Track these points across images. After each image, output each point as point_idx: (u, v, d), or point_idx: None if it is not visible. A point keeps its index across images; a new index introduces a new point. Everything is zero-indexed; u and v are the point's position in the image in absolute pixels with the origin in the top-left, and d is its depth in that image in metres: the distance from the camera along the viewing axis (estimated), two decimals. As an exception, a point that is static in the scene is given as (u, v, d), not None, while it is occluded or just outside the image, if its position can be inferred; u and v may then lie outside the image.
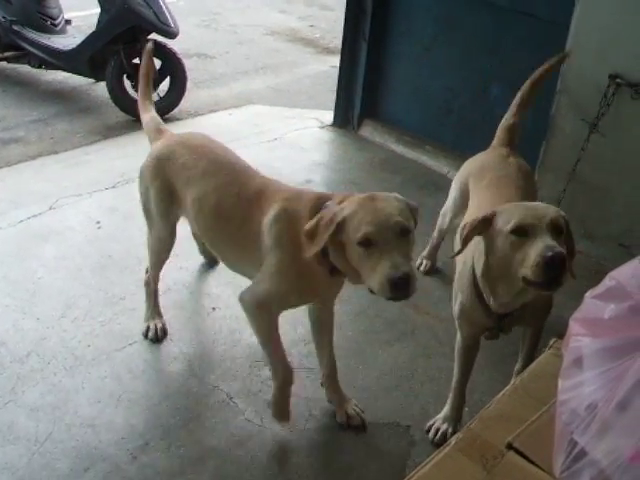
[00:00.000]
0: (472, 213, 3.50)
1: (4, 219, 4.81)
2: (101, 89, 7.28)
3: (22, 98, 7.38)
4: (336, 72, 6.54)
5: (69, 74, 7.51)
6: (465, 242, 3.00)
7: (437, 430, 3.41)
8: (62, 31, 7.67)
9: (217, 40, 9.46)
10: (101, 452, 3.21)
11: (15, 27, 7.33)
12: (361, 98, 6.26)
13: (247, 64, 8.77)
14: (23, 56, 7.50)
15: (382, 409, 3.51)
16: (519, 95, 4.13)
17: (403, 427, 3.42)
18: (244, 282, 4.20)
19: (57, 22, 7.66)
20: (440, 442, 3.29)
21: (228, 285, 4.25)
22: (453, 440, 1.95)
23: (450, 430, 3.36)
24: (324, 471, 3.20)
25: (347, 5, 6.16)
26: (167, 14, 6.64)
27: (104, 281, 4.26)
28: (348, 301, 4.19)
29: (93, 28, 6.96)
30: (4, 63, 7.82)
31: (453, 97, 5.72)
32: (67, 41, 7.28)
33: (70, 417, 3.37)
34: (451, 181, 5.25)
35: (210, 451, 3.24)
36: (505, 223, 2.85)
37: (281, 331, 3.26)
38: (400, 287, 2.61)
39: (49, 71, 7.66)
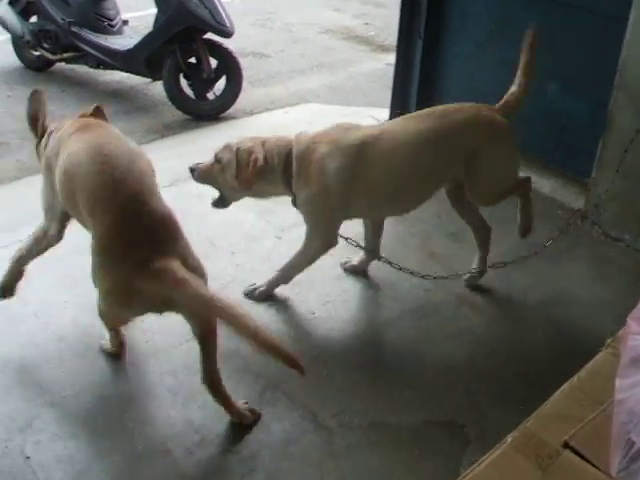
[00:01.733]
0: None
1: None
2: (158, 88, 7.36)
3: (81, 98, 7.47)
4: (391, 70, 6.52)
5: (126, 74, 7.60)
6: None
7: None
8: (119, 32, 7.78)
9: (272, 39, 9.49)
10: (158, 448, 3.25)
11: (73, 28, 7.45)
12: (416, 96, 6.23)
13: (302, 62, 8.79)
14: (81, 57, 7.61)
15: (438, 407, 3.50)
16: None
17: (458, 425, 3.41)
18: (300, 280, 4.25)
19: (114, 23, 7.77)
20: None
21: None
22: (509, 438, 1.95)
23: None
24: (378, 467, 3.20)
25: (402, 3, 6.14)
26: (223, 14, 6.69)
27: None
28: (403, 299, 4.19)
29: (150, 28, 7.06)
30: (63, 64, 7.95)
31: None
32: (124, 41, 7.38)
33: (128, 413, 3.43)
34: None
35: (264, 447, 3.26)
36: None
37: (338, 329, 3.26)
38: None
39: (107, 71, 7.76)
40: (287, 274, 4.15)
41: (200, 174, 4.06)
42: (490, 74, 5.71)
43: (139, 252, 2.98)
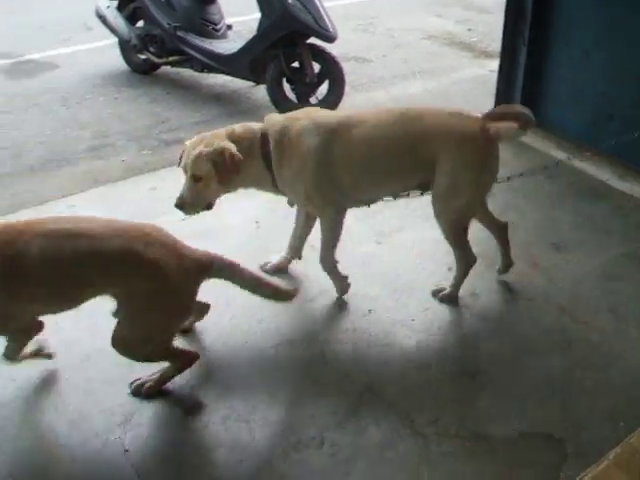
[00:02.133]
0: None
1: (168, 217, 4.95)
2: (261, 92, 7.42)
3: (185, 101, 7.60)
4: (494, 76, 6.46)
5: (230, 77, 7.67)
6: None
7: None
8: (223, 36, 7.86)
9: (374, 44, 9.49)
10: (254, 447, 3.30)
11: (179, 33, 7.57)
12: (519, 103, 6.14)
13: (404, 68, 8.76)
14: (186, 60, 7.73)
15: (535, 419, 3.46)
16: None
17: (556, 439, 3.35)
18: (400, 286, 4.25)
19: (219, 27, 7.86)
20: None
21: (384, 288, 4.27)
22: (611, 454, 1.91)
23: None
24: (473, 477, 3.18)
25: (506, 9, 6.08)
26: (326, 19, 6.71)
27: (261, 280, 4.35)
28: (502, 308, 4.15)
29: (253, 33, 7.11)
30: (168, 67, 8.08)
31: (614, 102, 5.57)
32: (228, 45, 7.46)
33: (225, 411, 3.49)
34: (613, 188, 5.14)
35: (360, 451, 3.27)
36: None
37: (437, 336, 3.23)
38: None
39: (211, 74, 7.85)
40: (326, 255, 4.15)
41: (191, 206, 3.97)
42: (596, 81, 5.62)
43: None
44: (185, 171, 3.91)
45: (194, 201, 3.93)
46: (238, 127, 4.00)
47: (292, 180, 3.95)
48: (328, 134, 3.86)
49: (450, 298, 4.22)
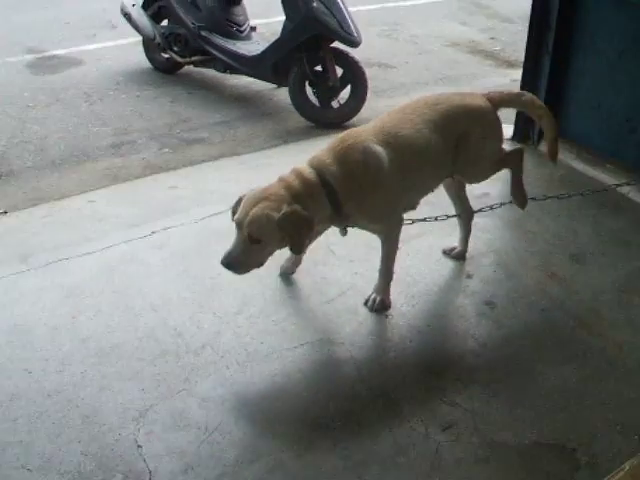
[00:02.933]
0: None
1: (188, 216, 5.00)
2: (283, 95, 7.46)
3: (207, 101, 7.64)
4: (517, 86, 6.43)
5: (252, 79, 7.70)
6: None
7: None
8: (247, 37, 7.89)
9: (397, 50, 9.49)
10: (267, 447, 3.29)
11: (203, 33, 7.61)
12: (542, 112, 6.14)
13: (427, 75, 8.76)
14: (209, 60, 7.77)
15: (548, 429, 3.43)
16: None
17: (568, 450, 3.32)
18: (417, 292, 4.25)
19: (243, 29, 7.89)
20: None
21: (401, 293, 4.27)
22: (627, 466, 1.90)
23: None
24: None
25: (531, 19, 6.06)
26: (350, 23, 6.71)
27: (279, 282, 4.36)
28: (519, 317, 4.14)
29: (277, 35, 7.13)
30: (191, 67, 8.13)
31: (637, 115, 5.54)
32: (252, 47, 7.50)
33: (239, 410, 3.50)
34: (633, 202, 5.11)
35: (373, 456, 3.26)
36: None
37: (452, 342, 3.22)
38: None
39: (233, 75, 7.89)
40: (386, 269, 4.13)
41: (245, 266, 3.72)
42: (620, 94, 5.59)
43: None
44: (239, 228, 3.63)
45: (249, 262, 3.70)
46: (292, 180, 3.70)
47: (367, 207, 3.84)
48: (383, 147, 3.81)
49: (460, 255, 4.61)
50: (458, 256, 4.61)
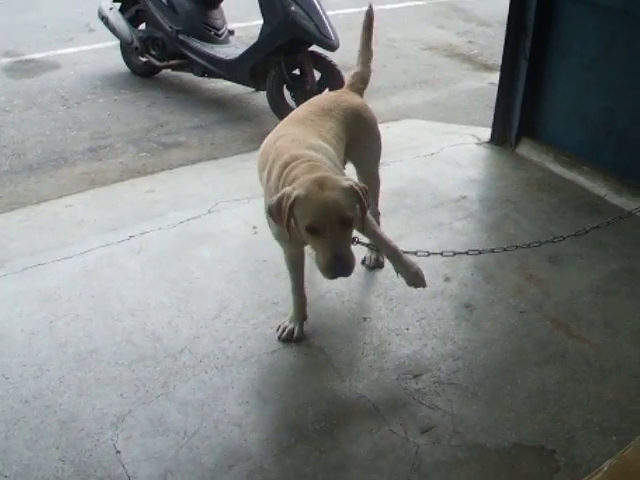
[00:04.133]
0: (285, 140, 3.67)
1: (165, 220, 4.99)
2: (261, 98, 7.45)
3: (185, 105, 7.64)
4: (494, 89, 6.47)
5: (230, 83, 7.72)
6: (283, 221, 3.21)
7: (284, 329, 3.95)
8: (225, 41, 7.90)
9: (375, 54, 9.39)
10: (246, 451, 3.28)
11: (181, 36, 7.60)
12: (519, 116, 6.16)
13: (404, 78, 8.79)
14: (187, 64, 7.77)
15: (527, 431, 3.44)
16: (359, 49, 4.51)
17: (547, 451, 3.33)
18: (395, 295, 4.26)
19: (221, 32, 7.90)
20: (287, 338, 3.93)
21: (380, 296, 4.28)
22: (605, 467, 1.91)
23: (297, 328, 3.93)
24: (466, 488, 3.17)
25: (508, 23, 6.08)
26: (328, 27, 6.72)
27: (258, 285, 4.35)
28: (497, 319, 4.15)
29: (255, 39, 7.13)
30: (168, 71, 8.14)
31: (614, 118, 5.57)
32: (229, 51, 7.50)
33: (218, 414, 3.47)
34: (609, 204, 5.14)
35: (352, 459, 3.26)
36: (302, 217, 3.15)
37: (431, 345, 3.22)
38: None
39: (211, 79, 7.91)
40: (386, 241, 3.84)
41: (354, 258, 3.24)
42: (596, 98, 5.62)
43: None
44: (328, 221, 3.14)
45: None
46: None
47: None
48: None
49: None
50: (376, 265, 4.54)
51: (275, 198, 3.23)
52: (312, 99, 4.29)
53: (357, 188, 3.22)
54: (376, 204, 4.44)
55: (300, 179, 3.23)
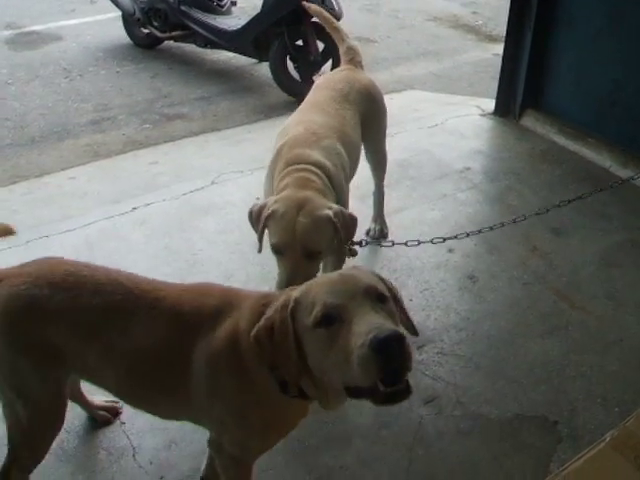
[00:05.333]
0: (293, 127, 3.64)
1: (168, 192, 4.98)
2: (264, 69, 7.43)
3: (187, 76, 7.60)
4: (498, 60, 6.43)
5: (233, 54, 7.68)
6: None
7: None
8: (227, 12, 7.86)
9: (379, 25, 9.45)
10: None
11: (183, 7, 7.55)
12: (523, 87, 6.13)
13: (408, 49, 8.74)
14: (189, 35, 7.72)
15: (530, 402, 3.45)
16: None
17: (550, 422, 3.35)
18: (399, 266, 4.23)
19: (223, 3, 7.86)
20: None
21: (383, 268, 4.28)
22: (607, 437, 1.91)
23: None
24: (467, 457, 3.18)
25: (513, -7, 6.06)
26: (331, -3, 6.68)
27: (261, 256, 4.33)
28: (501, 291, 4.15)
29: (257, 10, 7.09)
30: (171, 42, 8.08)
31: (618, 89, 5.54)
32: (232, 22, 7.44)
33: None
34: (614, 176, 5.11)
35: (357, 430, 3.27)
36: (271, 233, 3.02)
37: (434, 316, 3.23)
38: (391, 356, 1.91)
39: (214, 51, 7.87)
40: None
41: None
42: (601, 69, 5.59)
43: None
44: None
45: None
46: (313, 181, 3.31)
47: None
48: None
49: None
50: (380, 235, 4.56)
51: (258, 204, 3.22)
52: (327, 78, 4.27)
53: (336, 220, 3.09)
54: (382, 179, 4.44)
55: (285, 192, 3.18)
